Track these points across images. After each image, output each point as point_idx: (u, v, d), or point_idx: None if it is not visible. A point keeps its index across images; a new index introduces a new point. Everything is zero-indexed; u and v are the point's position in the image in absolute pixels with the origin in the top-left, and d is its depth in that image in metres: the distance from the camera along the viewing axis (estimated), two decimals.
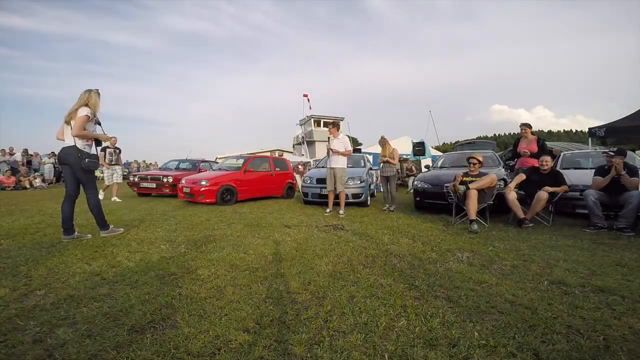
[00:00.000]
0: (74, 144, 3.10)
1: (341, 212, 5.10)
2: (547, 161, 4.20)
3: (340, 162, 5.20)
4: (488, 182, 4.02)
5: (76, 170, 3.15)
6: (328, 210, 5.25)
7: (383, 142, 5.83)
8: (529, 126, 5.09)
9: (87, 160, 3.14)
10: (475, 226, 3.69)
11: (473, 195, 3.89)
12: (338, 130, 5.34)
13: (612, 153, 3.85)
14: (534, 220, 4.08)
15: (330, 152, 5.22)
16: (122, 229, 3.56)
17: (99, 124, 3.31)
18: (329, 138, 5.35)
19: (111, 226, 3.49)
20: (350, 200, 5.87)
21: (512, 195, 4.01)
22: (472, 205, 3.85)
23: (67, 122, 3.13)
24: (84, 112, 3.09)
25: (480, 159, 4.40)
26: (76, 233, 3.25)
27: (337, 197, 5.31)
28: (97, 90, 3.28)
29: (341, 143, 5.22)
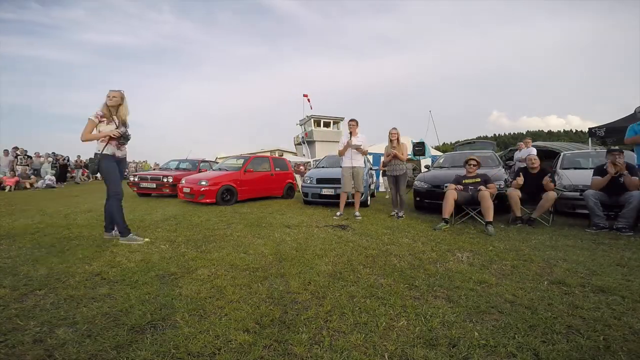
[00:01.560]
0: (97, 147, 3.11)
1: (357, 213, 4.82)
2: (534, 160, 4.22)
3: (361, 161, 4.90)
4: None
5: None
6: (339, 213, 4.85)
7: (395, 135, 4.95)
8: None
9: (89, 162, 3.21)
10: (491, 228, 3.68)
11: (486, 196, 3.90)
12: (357, 126, 4.93)
13: (615, 149, 3.83)
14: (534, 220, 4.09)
15: (350, 149, 4.78)
16: (143, 239, 3.17)
17: (120, 125, 3.14)
18: (350, 133, 4.87)
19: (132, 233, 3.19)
20: (351, 200, 5.86)
21: (515, 193, 4.02)
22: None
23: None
24: (90, 115, 2.99)
25: (478, 160, 4.41)
26: (114, 232, 3.23)
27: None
28: (116, 91, 3.12)
29: (360, 142, 4.85)
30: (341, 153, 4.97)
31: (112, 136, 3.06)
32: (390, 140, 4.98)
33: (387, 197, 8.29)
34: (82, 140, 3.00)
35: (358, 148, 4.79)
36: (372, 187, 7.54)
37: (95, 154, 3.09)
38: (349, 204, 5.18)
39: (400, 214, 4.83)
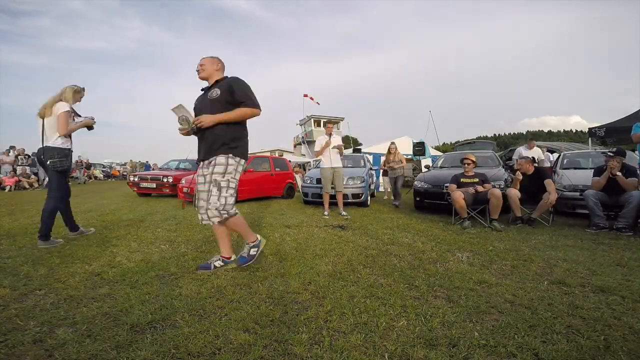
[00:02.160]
0: (50, 144, 2.90)
1: (343, 212, 4.98)
2: (521, 164, 4.27)
3: (339, 161, 5.10)
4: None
5: (47, 169, 2.98)
6: (326, 212, 5.03)
7: (393, 149, 6.81)
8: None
9: (57, 160, 2.91)
10: (497, 223, 3.88)
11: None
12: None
13: (610, 154, 3.85)
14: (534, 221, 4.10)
15: (330, 150, 4.96)
16: (61, 240, 3.02)
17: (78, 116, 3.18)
18: (330, 135, 5.05)
19: (52, 237, 2.96)
20: (350, 200, 5.86)
21: (515, 193, 4.03)
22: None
23: (41, 117, 2.93)
24: (63, 107, 2.88)
25: (474, 159, 4.42)
26: (81, 228, 3.41)
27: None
28: (74, 86, 3.10)
29: (337, 142, 5.10)
30: (318, 154, 5.18)
31: (90, 126, 3.14)
32: (390, 153, 6.81)
33: (385, 197, 8.30)
34: (63, 134, 2.89)
35: (340, 148, 5.10)
36: (372, 187, 7.54)
37: (67, 149, 2.99)
38: (344, 204, 5.31)
39: (396, 203, 6.26)
